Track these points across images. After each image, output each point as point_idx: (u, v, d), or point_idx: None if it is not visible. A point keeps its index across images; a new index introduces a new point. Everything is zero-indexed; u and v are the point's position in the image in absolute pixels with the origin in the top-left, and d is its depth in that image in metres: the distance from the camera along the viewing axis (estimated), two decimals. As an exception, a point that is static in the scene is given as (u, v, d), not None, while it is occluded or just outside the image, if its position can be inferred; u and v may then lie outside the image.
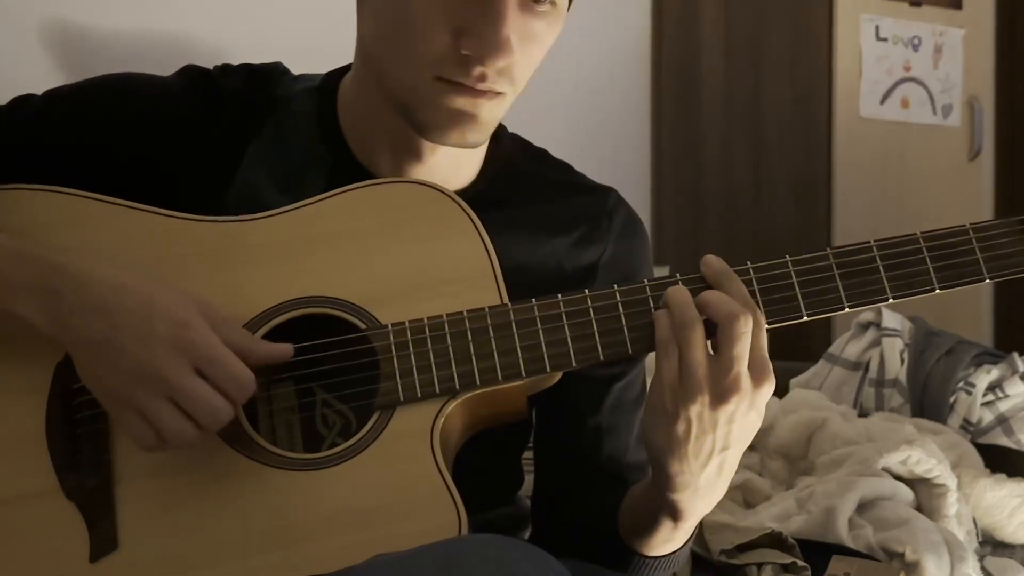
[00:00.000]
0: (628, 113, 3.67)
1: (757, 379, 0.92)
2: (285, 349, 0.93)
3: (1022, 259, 0.99)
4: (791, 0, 3.47)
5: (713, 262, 0.96)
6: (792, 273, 0.96)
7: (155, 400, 0.87)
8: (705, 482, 0.96)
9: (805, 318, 0.96)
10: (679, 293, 0.94)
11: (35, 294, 0.90)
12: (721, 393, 0.91)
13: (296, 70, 1.14)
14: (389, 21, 0.97)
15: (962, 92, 3.65)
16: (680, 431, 0.93)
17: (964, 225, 0.99)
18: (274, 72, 1.11)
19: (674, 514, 1.00)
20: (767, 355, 0.93)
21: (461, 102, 0.97)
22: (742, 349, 0.91)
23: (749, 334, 0.91)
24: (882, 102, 3.48)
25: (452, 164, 1.08)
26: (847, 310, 0.97)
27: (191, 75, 1.09)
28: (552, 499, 1.19)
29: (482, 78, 0.96)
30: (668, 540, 1.06)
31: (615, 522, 1.10)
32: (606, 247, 1.14)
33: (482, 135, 1.01)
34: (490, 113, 1.00)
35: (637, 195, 3.63)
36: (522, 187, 1.13)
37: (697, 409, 0.92)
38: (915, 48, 3.54)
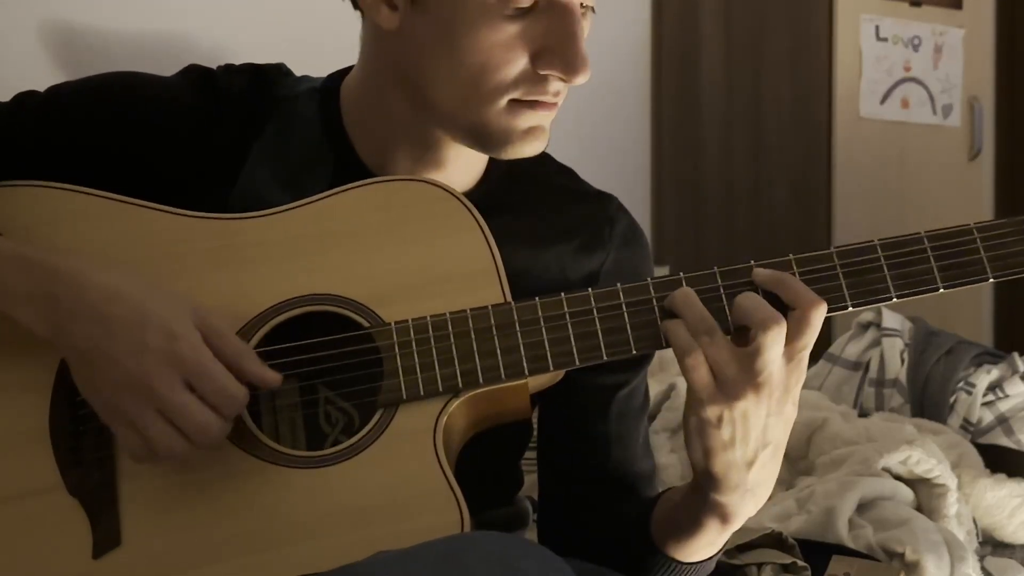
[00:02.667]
0: (628, 113, 3.67)
1: (792, 370, 0.93)
2: (275, 377, 0.92)
3: None
4: (791, 0, 3.47)
5: (761, 274, 0.95)
6: (796, 273, 0.96)
7: (145, 412, 0.87)
8: (754, 482, 0.96)
9: None
10: (688, 296, 0.94)
11: (33, 300, 0.90)
12: (758, 386, 0.91)
13: (297, 70, 1.14)
14: (459, 56, 0.97)
15: (962, 92, 3.65)
16: (727, 436, 0.93)
17: (968, 224, 0.98)
18: (277, 73, 1.11)
19: (724, 516, 0.99)
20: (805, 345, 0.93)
21: (536, 118, 1.00)
22: (776, 354, 0.91)
23: (782, 342, 0.91)
24: (882, 102, 3.49)
25: (464, 167, 1.09)
26: (851, 309, 0.97)
27: (194, 75, 1.09)
28: (560, 508, 1.18)
29: (557, 92, 1.00)
30: (711, 543, 1.05)
31: (631, 530, 1.09)
32: (608, 255, 1.14)
33: (546, 143, 1.04)
34: (550, 122, 1.03)
35: (637, 195, 3.63)
36: (524, 192, 1.13)
37: (742, 407, 0.92)
38: (915, 48, 3.55)
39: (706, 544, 1.05)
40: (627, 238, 1.16)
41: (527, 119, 1.00)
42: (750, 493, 0.97)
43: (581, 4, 0.98)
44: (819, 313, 0.92)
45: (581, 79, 0.98)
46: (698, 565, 1.07)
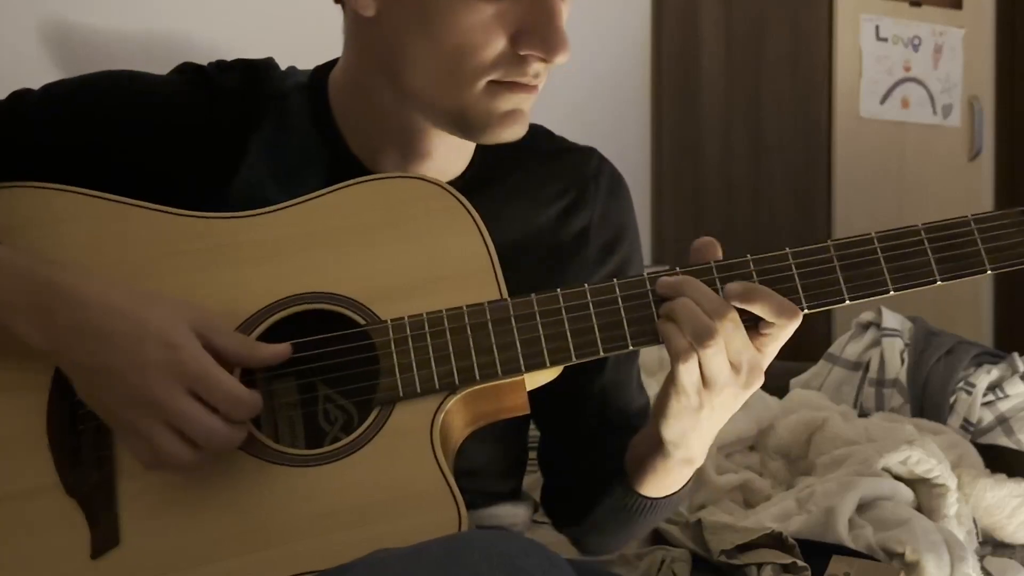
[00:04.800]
0: (628, 113, 3.67)
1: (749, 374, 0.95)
2: (282, 349, 0.93)
3: None
4: (791, 0, 3.47)
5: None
6: (792, 265, 0.96)
7: (151, 424, 0.87)
8: (709, 431, 1.00)
9: (806, 310, 0.96)
10: (686, 304, 0.94)
11: (29, 311, 0.90)
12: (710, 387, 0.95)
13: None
14: (436, 38, 0.97)
15: (962, 92, 3.65)
16: (704, 415, 0.96)
17: (966, 216, 0.98)
18: (267, 68, 1.12)
19: (690, 460, 1.04)
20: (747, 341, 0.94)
21: (515, 100, 1.00)
22: (716, 353, 0.93)
23: (720, 346, 0.92)
24: (882, 102, 3.49)
25: (452, 155, 1.09)
26: (848, 302, 0.96)
27: (188, 73, 1.09)
28: (560, 456, 1.21)
29: (537, 74, 0.99)
30: (685, 478, 1.09)
31: (621, 472, 1.12)
32: (595, 210, 1.16)
33: (526, 127, 1.04)
34: (532, 104, 1.03)
35: (637, 195, 3.62)
36: (508, 162, 1.13)
37: (729, 391, 0.95)
38: (915, 48, 3.55)
39: (676, 482, 1.09)
40: (611, 189, 1.18)
41: (506, 102, 1.00)
42: (707, 436, 1.01)
43: None
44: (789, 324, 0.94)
45: (561, 59, 0.97)
46: (671, 497, 1.11)
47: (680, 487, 1.10)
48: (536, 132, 1.18)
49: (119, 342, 0.88)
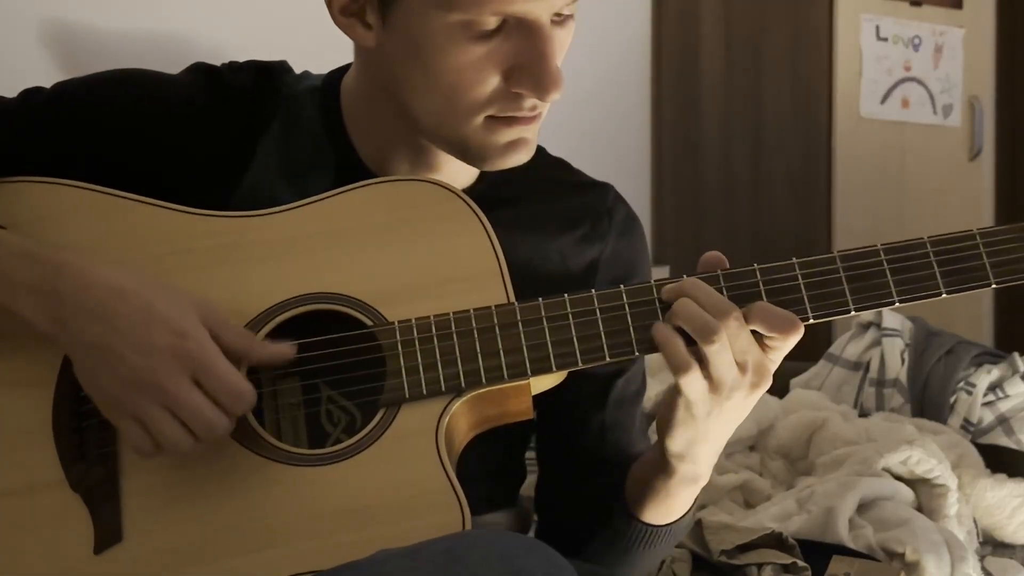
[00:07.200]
0: (628, 113, 3.67)
1: (756, 375, 0.95)
2: (285, 350, 0.93)
3: None
4: (791, 0, 3.47)
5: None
6: (799, 276, 0.97)
7: (152, 408, 0.87)
8: (717, 440, 0.99)
9: (811, 320, 0.96)
10: (687, 306, 0.94)
11: (35, 293, 0.91)
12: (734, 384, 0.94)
13: (297, 69, 1.14)
14: (431, 75, 0.97)
15: (962, 92, 3.66)
16: (712, 423, 0.96)
17: (971, 230, 0.99)
18: (280, 70, 1.12)
19: (695, 478, 1.03)
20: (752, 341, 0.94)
21: (515, 132, 1.00)
22: (721, 349, 0.92)
23: (724, 343, 0.92)
24: (882, 102, 3.49)
25: (461, 168, 1.09)
26: (853, 313, 0.97)
27: (201, 72, 1.09)
28: (556, 490, 1.20)
29: (534, 107, 0.99)
30: (689, 500, 1.08)
31: (619, 499, 1.11)
32: (607, 245, 1.16)
33: (532, 152, 1.04)
34: (536, 132, 1.03)
35: (637, 195, 3.63)
36: (522, 186, 1.13)
37: (738, 395, 0.94)
38: (915, 48, 3.55)
39: (684, 503, 1.08)
40: (625, 227, 1.17)
41: (506, 134, 1.00)
42: (713, 448, 1.00)
43: (558, 14, 0.97)
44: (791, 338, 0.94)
45: (553, 96, 0.97)
46: (674, 524, 1.09)
47: (682, 514, 1.09)
48: (554, 162, 1.19)
49: (125, 323, 0.88)
